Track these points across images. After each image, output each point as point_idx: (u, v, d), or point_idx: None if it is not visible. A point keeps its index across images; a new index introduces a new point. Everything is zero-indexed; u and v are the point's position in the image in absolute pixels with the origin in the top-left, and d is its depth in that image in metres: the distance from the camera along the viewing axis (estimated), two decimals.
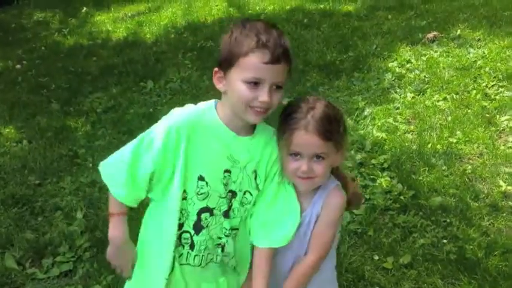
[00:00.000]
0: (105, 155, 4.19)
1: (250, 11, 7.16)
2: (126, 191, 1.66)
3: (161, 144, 1.61)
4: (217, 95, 5.29)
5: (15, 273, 2.92)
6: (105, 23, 7.19)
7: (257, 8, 7.28)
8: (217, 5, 7.60)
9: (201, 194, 1.65)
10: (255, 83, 1.53)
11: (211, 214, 1.68)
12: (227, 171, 1.66)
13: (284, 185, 1.75)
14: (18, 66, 5.93)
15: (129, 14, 7.47)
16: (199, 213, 1.67)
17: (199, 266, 1.73)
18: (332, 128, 1.66)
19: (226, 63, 1.57)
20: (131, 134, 4.23)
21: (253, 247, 1.79)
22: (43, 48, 6.44)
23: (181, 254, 1.71)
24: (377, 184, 3.47)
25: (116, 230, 1.71)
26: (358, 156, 3.74)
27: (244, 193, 1.70)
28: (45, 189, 3.68)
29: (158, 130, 1.64)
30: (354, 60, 5.32)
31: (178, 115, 1.66)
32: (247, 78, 1.53)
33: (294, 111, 1.67)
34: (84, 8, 7.86)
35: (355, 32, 6.02)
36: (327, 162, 1.68)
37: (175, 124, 1.62)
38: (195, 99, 5.10)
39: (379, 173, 3.57)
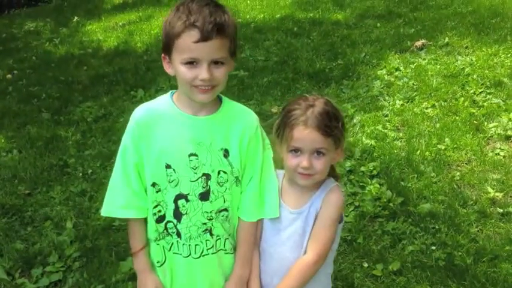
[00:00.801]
0: (95, 164, 4.21)
1: (240, 20, 7.19)
2: (134, 209, 1.75)
3: (132, 147, 1.71)
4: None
5: (5, 283, 2.91)
6: (96, 32, 7.20)
7: (247, 16, 7.31)
8: None
9: (172, 181, 1.69)
10: (192, 63, 1.56)
11: (187, 200, 1.71)
12: (193, 154, 1.68)
13: (266, 161, 1.80)
14: (9, 75, 5.92)
15: (120, 24, 7.48)
16: (175, 201, 1.72)
17: (189, 256, 1.75)
18: (331, 124, 1.68)
19: (166, 47, 1.60)
20: None
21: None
22: (34, 57, 6.44)
23: (172, 244, 1.76)
24: (366, 191, 3.49)
25: (139, 264, 1.81)
26: (348, 164, 3.76)
27: (218, 173, 1.71)
28: (35, 199, 3.68)
29: (125, 136, 1.73)
30: (343, 68, 5.35)
31: (136, 113, 1.73)
32: (183, 59, 1.56)
33: (294, 109, 1.71)
34: (75, 18, 7.87)
35: (344, 40, 6.06)
36: (326, 158, 1.70)
37: (135, 122, 1.71)
38: None
39: (369, 180, 3.59)
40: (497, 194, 3.37)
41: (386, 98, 4.71)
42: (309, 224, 1.76)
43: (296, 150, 1.69)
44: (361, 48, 5.76)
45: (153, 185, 1.71)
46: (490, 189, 3.41)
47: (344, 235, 3.14)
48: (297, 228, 1.76)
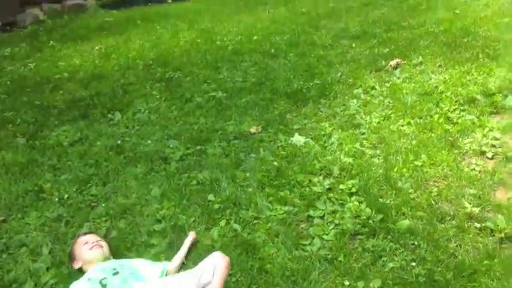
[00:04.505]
0: (71, 188, 4.13)
1: (218, 42, 7.24)
2: None
3: None
4: (186, 124, 5.25)
5: None
6: (72, 56, 7.16)
7: (225, 38, 7.37)
8: (185, 37, 7.67)
9: None
10: None
11: None
12: None
13: None
14: None
15: (97, 47, 7.46)
16: None
17: None
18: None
19: None
20: (98, 167, 4.22)
21: None
22: (8, 82, 6.36)
23: None
24: (346, 209, 3.50)
25: None
26: (327, 182, 3.78)
27: None
28: (10, 225, 3.60)
29: None
30: (320, 87, 5.40)
31: None
32: None
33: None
34: (51, 42, 7.83)
35: (320, 61, 6.13)
36: None
37: None
38: (163, 130, 5.07)
39: (348, 197, 3.61)
40: (474, 208, 3.40)
41: (363, 116, 4.76)
42: None
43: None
44: (338, 68, 5.84)
45: None
46: (467, 204, 3.44)
47: (325, 253, 3.13)
48: None
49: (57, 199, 3.84)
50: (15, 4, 9.34)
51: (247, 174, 3.98)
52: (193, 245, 3.30)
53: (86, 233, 3.28)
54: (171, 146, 4.46)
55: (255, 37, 7.26)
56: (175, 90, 5.68)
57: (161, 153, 4.36)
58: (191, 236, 3.32)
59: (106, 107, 5.36)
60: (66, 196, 3.87)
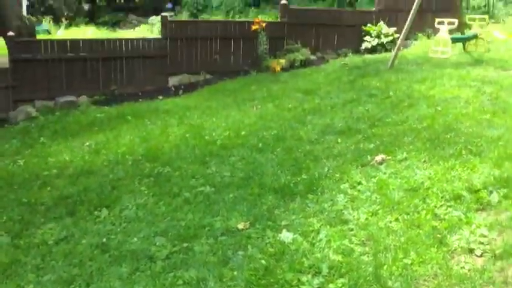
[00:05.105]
0: None
1: (207, 137, 7.37)
2: None
3: None
4: (173, 220, 5.24)
5: None
6: (62, 152, 7.23)
7: (213, 134, 7.51)
8: (174, 132, 7.82)
9: None
10: None
11: None
12: None
13: None
14: None
15: (87, 143, 7.56)
16: None
17: None
18: None
19: None
20: (83, 266, 4.13)
21: None
22: None
23: None
24: None
25: None
26: (316, 281, 3.71)
27: None
28: None
29: None
30: (307, 182, 5.45)
31: None
32: None
33: None
34: (42, 138, 7.93)
35: (307, 155, 6.24)
36: None
37: None
38: (150, 226, 5.03)
39: None
40: None
41: (351, 211, 4.77)
42: None
43: None
44: (324, 163, 5.93)
45: None
46: None
47: None
48: None
49: None
50: (7, 101, 9.55)
51: (235, 273, 3.91)
52: None
53: None
54: (157, 243, 4.40)
55: (243, 132, 7.41)
56: (163, 185, 5.71)
57: (147, 252, 4.30)
58: None
59: (93, 203, 5.35)
60: None
